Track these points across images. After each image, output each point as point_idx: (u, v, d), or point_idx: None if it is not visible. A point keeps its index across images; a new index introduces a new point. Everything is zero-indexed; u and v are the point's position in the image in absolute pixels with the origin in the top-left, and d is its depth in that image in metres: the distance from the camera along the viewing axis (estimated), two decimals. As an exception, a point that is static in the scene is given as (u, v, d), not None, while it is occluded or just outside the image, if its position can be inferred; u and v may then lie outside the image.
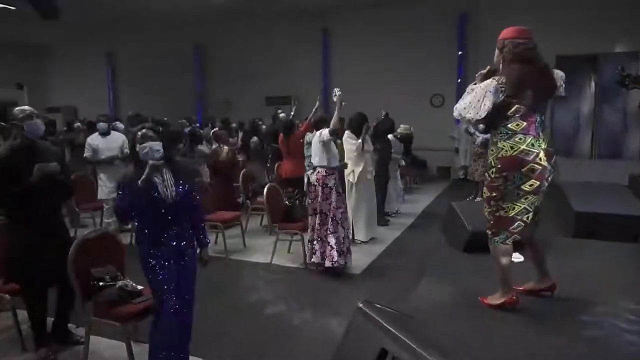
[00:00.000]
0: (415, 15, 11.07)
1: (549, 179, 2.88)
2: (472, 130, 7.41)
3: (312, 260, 4.56)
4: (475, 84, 3.01)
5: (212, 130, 7.46)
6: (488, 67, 3.02)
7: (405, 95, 11.13)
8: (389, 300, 3.67)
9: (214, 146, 6.75)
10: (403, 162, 7.16)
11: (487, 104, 2.80)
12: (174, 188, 2.52)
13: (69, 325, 3.23)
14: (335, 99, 4.62)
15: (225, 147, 6.52)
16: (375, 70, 11.51)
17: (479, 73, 3.04)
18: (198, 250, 2.76)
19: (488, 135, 6.58)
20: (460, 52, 10.97)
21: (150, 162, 2.44)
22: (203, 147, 6.93)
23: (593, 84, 9.99)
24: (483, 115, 2.83)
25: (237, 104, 13.26)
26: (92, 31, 13.62)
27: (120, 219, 3.75)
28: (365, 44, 11.68)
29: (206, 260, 2.81)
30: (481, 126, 7.43)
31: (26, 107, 3.01)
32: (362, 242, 5.54)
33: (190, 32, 13.27)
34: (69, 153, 7.98)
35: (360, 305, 1.92)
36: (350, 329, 1.92)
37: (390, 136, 6.98)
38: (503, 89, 2.80)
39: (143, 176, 2.40)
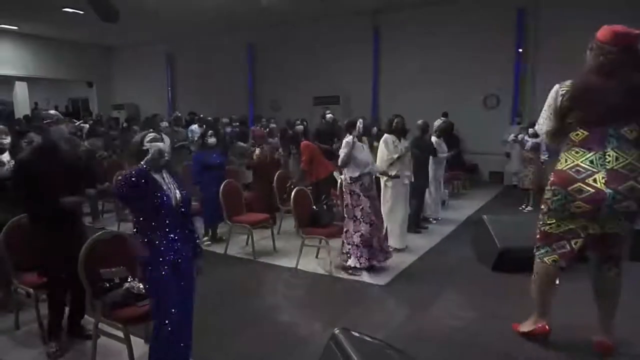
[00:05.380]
0: (470, 12, 10.50)
1: (615, 206, 2.39)
2: (520, 137, 6.92)
3: (355, 265, 4.53)
4: None
5: (252, 130, 7.49)
6: None
7: (457, 95, 10.64)
8: (405, 318, 3.50)
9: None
10: (444, 155, 6.72)
11: (547, 111, 2.60)
12: (177, 191, 2.53)
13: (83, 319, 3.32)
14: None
15: (259, 148, 6.47)
16: (426, 69, 11.09)
17: None
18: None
19: (539, 139, 6.07)
20: (519, 49, 10.27)
21: (153, 150, 2.48)
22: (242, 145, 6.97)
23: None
24: (543, 125, 2.65)
25: (286, 103, 13.36)
26: (153, 33, 14.30)
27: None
28: (417, 43, 11.26)
29: (201, 270, 2.79)
30: (531, 129, 6.90)
31: (52, 112, 3.19)
32: (395, 249, 5.32)
33: (242, 33, 13.53)
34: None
35: (336, 331, 1.80)
36: (323, 356, 1.80)
37: (432, 138, 6.68)
38: (563, 92, 2.51)
39: (148, 156, 2.47)
